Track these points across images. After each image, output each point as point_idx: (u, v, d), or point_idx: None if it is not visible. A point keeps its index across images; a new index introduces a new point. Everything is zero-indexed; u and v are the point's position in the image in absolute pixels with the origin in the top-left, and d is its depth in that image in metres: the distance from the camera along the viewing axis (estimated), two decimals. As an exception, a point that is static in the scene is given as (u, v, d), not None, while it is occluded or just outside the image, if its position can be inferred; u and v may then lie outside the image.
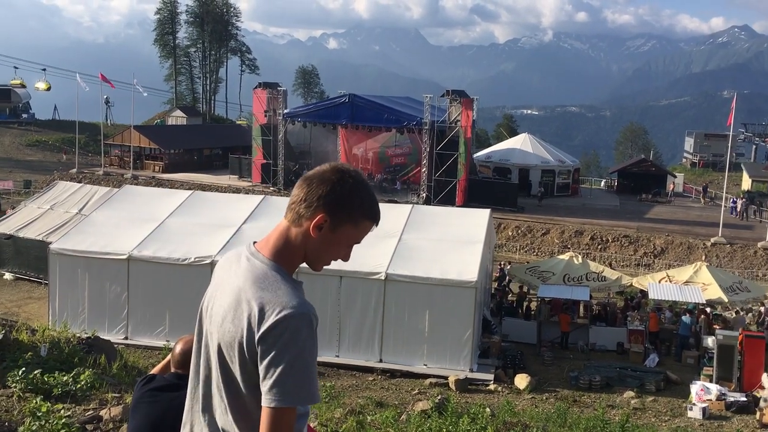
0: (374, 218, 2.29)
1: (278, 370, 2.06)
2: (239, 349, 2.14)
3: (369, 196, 2.27)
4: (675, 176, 54.75)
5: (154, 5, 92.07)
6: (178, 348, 3.86)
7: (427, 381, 16.83)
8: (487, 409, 10.84)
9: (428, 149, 40.73)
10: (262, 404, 2.08)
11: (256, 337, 2.09)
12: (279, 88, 45.87)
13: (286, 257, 2.27)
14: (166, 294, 18.39)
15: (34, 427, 5.35)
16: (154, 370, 4.05)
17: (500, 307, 23.59)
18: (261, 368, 2.09)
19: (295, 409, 2.10)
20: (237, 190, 41.75)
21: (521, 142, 50.85)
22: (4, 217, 29.99)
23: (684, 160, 75.53)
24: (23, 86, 76.73)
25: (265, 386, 2.08)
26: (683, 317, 21.63)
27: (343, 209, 2.21)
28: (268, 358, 2.07)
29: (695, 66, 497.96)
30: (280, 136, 44.55)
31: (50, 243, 20.50)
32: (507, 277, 26.93)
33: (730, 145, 44.30)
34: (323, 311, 17.93)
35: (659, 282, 23.16)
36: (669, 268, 28.11)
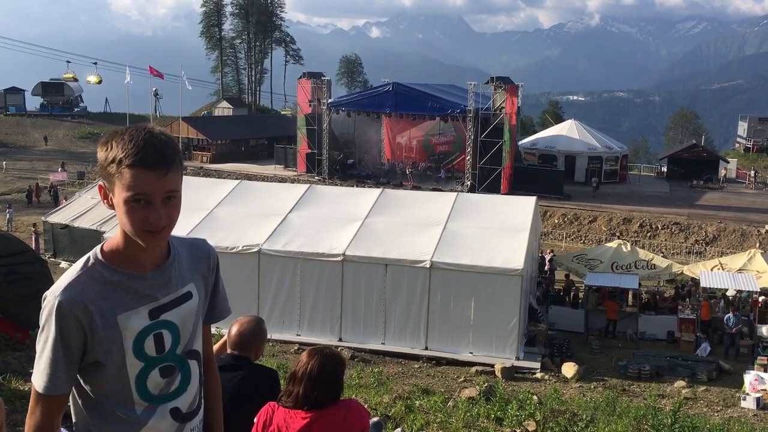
0: (136, 163, 1.96)
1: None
2: None
3: (125, 142, 1.98)
4: (727, 162, 53.23)
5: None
6: (234, 329, 3.97)
7: (473, 369, 16.81)
8: (535, 397, 10.80)
9: (472, 137, 40.45)
10: None
11: None
12: (323, 78, 46.10)
13: (112, 243, 2.16)
14: (215, 281, 18.74)
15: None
16: (214, 349, 4.17)
17: (546, 295, 23.38)
18: None
19: (42, 395, 2.07)
20: (283, 180, 42.19)
21: (567, 129, 50.09)
22: (59, 207, 30.97)
23: (737, 145, 73.29)
24: (75, 80, 78.86)
25: None
26: (728, 315, 20.30)
27: (103, 167, 2.02)
28: None
29: (749, 48, 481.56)
30: (324, 126, 44.81)
31: (104, 232, 21.12)
32: (547, 265, 26.62)
33: (786, 129, 42.81)
34: (369, 299, 18.09)
35: (711, 270, 22.64)
36: (721, 256, 27.43)
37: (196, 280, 2.31)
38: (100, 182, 2.07)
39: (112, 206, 2.05)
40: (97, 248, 2.16)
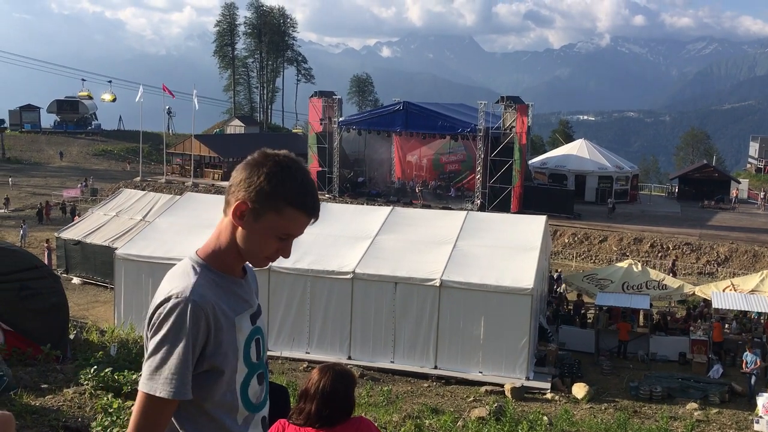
0: (303, 207, 2.04)
1: (149, 353, 2.00)
2: (146, 344, 2.08)
3: (297, 182, 2.04)
4: (739, 182, 52.98)
5: (213, 18, 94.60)
6: None
7: (483, 388, 16.71)
8: (545, 418, 10.73)
9: (483, 156, 40.52)
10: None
11: (146, 324, 2.06)
12: (334, 97, 46.41)
13: (214, 251, 2.13)
14: (225, 299, 18.78)
15: (106, 423, 5.58)
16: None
17: (557, 315, 23.26)
18: None
19: (158, 398, 1.96)
20: (293, 198, 42.23)
21: (577, 148, 50.08)
22: (72, 223, 31.22)
23: (748, 165, 73.07)
24: (90, 98, 79.84)
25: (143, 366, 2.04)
26: (746, 354, 18.48)
27: (262, 193, 2.02)
28: (148, 341, 2.03)
29: (760, 69, 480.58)
30: (335, 144, 45.02)
31: (116, 249, 21.24)
32: (555, 285, 26.47)
33: (798, 149, 42.70)
34: (378, 317, 18.06)
35: (723, 291, 22.47)
36: (733, 277, 27.22)
37: (256, 293, 2.37)
38: (241, 200, 2.03)
39: (241, 224, 2.05)
40: (194, 256, 2.14)
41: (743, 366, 18.21)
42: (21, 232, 34.32)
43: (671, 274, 28.36)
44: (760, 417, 15.41)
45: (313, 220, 2.08)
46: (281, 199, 2.02)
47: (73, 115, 76.89)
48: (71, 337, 8.89)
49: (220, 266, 2.12)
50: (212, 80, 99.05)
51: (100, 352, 8.13)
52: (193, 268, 2.09)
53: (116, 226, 27.81)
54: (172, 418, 2.06)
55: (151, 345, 1.99)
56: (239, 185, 2.05)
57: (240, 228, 2.06)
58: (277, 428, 3.19)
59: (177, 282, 2.04)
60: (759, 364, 17.70)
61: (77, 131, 75.73)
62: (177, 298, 1.99)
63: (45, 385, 6.97)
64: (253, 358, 2.17)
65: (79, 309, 23.08)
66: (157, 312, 2.00)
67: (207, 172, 54.89)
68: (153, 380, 1.96)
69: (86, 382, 6.94)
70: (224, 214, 2.11)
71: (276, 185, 2.02)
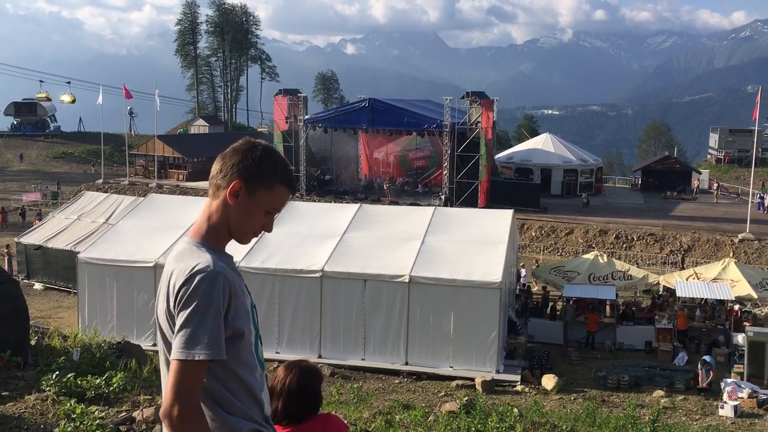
0: (288, 183, 2.40)
1: (180, 325, 2.18)
2: (167, 320, 2.26)
3: (281, 162, 2.41)
4: (700, 173, 54.09)
5: (174, 16, 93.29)
6: None
7: (454, 383, 16.78)
8: (515, 410, 10.79)
9: (449, 151, 40.68)
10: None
11: (172, 303, 2.23)
12: (299, 95, 46.14)
13: (209, 231, 2.37)
14: (192, 300, 18.55)
15: (69, 429, 5.45)
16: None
17: (525, 308, 23.46)
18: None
19: (197, 362, 2.15)
20: (260, 197, 41.95)
21: (543, 143, 50.59)
22: (32, 228, 30.51)
23: (709, 156, 74.59)
24: (49, 99, 78.11)
25: (173, 342, 2.20)
26: (706, 357, 18.53)
27: (257, 174, 2.33)
28: (177, 317, 2.20)
29: (718, 61, 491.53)
30: (301, 142, 44.79)
31: (78, 252, 20.82)
32: (521, 278, 26.69)
33: (756, 140, 43.58)
34: (348, 314, 18.01)
35: (687, 279, 22.91)
36: (696, 266, 27.78)
37: None
38: (236, 180, 2.32)
39: (234, 202, 2.32)
40: (191, 239, 2.36)
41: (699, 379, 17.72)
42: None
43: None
44: (725, 402, 15.75)
45: (291, 197, 2.44)
46: (272, 177, 2.35)
47: (31, 117, 75.21)
48: (32, 343, 8.68)
49: (215, 245, 2.36)
50: (175, 80, 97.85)
51: (63, 358, 7.94)
52: (198, 247, 2.33)
53: (78, 230, 27.26)
54: (210, 386, 2.25)
55: (183, 317, 2.18)
56: (231, 169, 2.34)
57: (232, 206, 2.34)
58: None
59: (194, 259, 2.26)
60: (712, 375, 17.66)
61: (36, 134, 74.12)
62: (202, 272, 2.21)
63: (5, 393, 6.78)
64: (256, 321, 2.45)
65: (41, 315, 22.58)
66: (185, 286, 2.20)
67: (171, 173, 54.18)
68: (190, 347, 2.16)
69: (48, 388, 6.77)
70: (212, 198, 2.38)
71: (268, 165, 2.35)
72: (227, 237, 2.39)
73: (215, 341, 2.17)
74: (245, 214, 2.35)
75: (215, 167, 2.39)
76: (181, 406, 2.14)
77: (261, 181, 2.33)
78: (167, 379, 2.20)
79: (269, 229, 2.42)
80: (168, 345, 2.28)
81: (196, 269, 2.21)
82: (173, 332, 2.21)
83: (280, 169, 2.38)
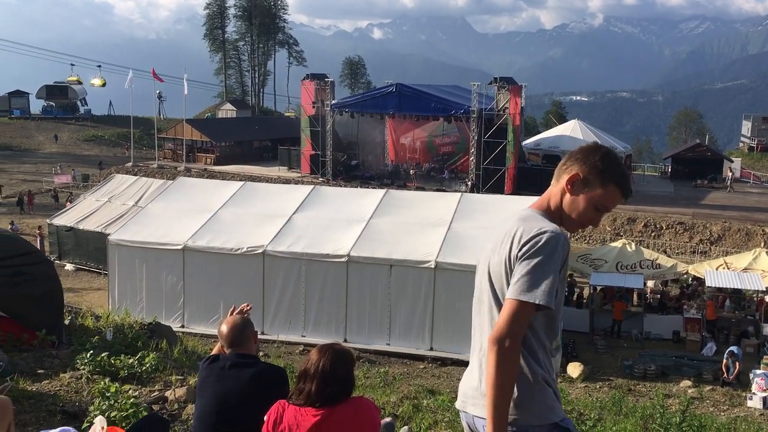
0: (622, 186, 2.61)
1: (520, 272, 2.46)
2: (506, 268, 2.54)
3: (620, 166, 2.65)
4: (732, 161, 53.08)
5: (202, 0, 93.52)
6: (224, 328, 3.97)
7: (479, 369, 16.74)
8: (541, 396, 10.78)
9: (476, 137, 40.43)
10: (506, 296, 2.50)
11: (515, 253, 2.50)
12: (326, 80, 46.11)
13: (546, 210, 2.69)
14: (220, 283, 18.80)
15: (103, 407, 5.56)
16: (215, 350, 4.17)
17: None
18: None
19: (527, 305, 2.43)
20: (287, 181, 42.23)
21: (571, 129, 49.98)
22: (63, 210, 31.04)
23: (741, 144, 73.13)
24: (80, 83, 79.05)
25: (510, 284, 2.49)
26: (733, 348, 18.23)
27: (594, 169, 2.59)
28: (518, 265, 2.48)
29: (752, 47, 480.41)
30: (328, 127, 44.82)
31: (109, 234, 21.15)
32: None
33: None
34: (373, 299, 18.09)
35: (716, 269, 22.59)
36: (726, 255, 27.36)
37: None
38: (576, 171, 2.62)
39: (570, 191, 2.63)
40: (532, 210, 2.69)
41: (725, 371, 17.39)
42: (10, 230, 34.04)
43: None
44: (754, 393, 15.57)
45: (623, 201, 2.66)
46: (609, 177, 2.59)
47: (62, 100, 76.24)
48: (66, 322, 8.85)
49: (550, 218, 2.65)
50: (203, 64, 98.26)
51: (96, 337, 8.10)
52: (542, 215, 2.64)
53: (109, 212, 27.67)
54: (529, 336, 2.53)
55: (526, 266, 2.46)
56: (574, 162, 2.65)
57: (568, 195, 2.64)
58: (277, 409, 3.17)
59: (541, 222, 2.57)
60: (738, 368, 17.31)
61: (67, 117, 75.14)
62: (551, 232, 2.49)
63: (41, 371, 6.94)
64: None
65: (72, 296, 23.02)
66: (533, 241, 2.48)
67: (199, 157, 54.62)
68: (531, 292, 2.43)
69: (83, 366, 6.91)
70: (555, 182, 2.71)
71: (608, 165, 2.60)
72: (558, 221, 2.64)
73: (550, 292, 2.43)
74: (576, 204, 2.62)
75: (562, 161, 2.72)
76: (513, 341, 2.42)
77: (597, 177, 2.58)
78: (501, 314, 2.48)
79: (595, 224, 2.66)
80: (492, 287, 2.60)
81: (544, 229, 2.50)
82: (506, 278, 2.51)
83: (618, 171, 2.61)
